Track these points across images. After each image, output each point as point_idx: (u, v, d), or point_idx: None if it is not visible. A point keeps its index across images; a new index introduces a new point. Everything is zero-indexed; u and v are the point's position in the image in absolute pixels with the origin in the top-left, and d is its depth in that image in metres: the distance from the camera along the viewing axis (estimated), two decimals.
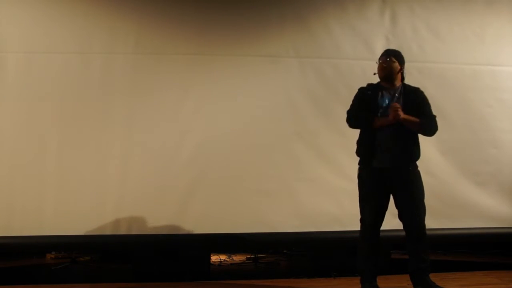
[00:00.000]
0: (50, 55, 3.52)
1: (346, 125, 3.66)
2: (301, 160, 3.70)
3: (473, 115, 3.93)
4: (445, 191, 3.78)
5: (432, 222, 3.56)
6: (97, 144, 3.53)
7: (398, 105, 2.89)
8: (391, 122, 2.89)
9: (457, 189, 3.84)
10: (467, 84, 3.93)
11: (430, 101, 3.83)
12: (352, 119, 3.05)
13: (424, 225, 2.94)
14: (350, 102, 3.60)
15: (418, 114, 2.95)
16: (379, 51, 3.77)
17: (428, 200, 2.96)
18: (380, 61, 3.03)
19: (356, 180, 3.53)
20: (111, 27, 3.57)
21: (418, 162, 3.03)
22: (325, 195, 3.70)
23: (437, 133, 3.81)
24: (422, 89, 3.84)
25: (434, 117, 3.05)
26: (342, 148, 3.70)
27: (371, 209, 2.94)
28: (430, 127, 3.04)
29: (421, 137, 3.80)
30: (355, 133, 3.46)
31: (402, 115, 2.87)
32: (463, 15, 3.97)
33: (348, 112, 3.07)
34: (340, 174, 3.70)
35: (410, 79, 3.84)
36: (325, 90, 3.78)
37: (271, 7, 3.72)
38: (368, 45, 3.80)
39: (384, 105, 2.97)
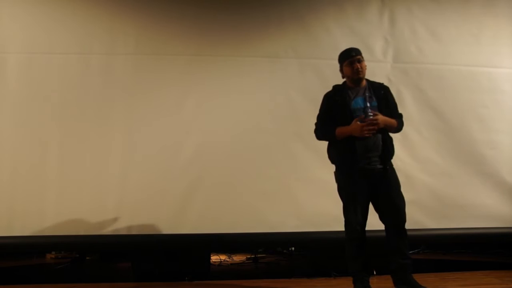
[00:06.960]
0: (50, 56, 3.54)
1: None
2: (301, 160, 3.71)
3: (470, 116, 3.94)
4: (444, 192, 3.78)
5: (432, 222, 3.59)
6: (98, 144, 3.53)
7: (376, 118, 2.76)
8: (357, 134, 2.78)
9: (456, 189, 3.84)
10: (464, 85, 3.95)
11: (428, 102, 3.91)
12: (320, 134, 2.97)
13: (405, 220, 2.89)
14: None
15: (390, 112, 2.88)
16: (378, 52, 3.87)
17: (428, 200, 2.96)
18: (356, 63, 2.88)
19: None
20: (111, 28, 3.60)
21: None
22: (324, 195, 3.66)
23: (435, 133, 3.89)
24: (420, 90, 3.91)
25: (401, 115, 2.99)
26: None
27: (358, 209, 2.84)
28: (401, 128, 2.98)
29: (420, 138, 3.87)
30: None
31: (381, 124, 2.79)
32: (461, 16, 4.00)
33: (316, 124, 2.99)
34: None
35: (408, 80, 3.91)
36: (324, 90, 3.72)
37: (270, 8, 3.74)
38: (367, 46, 3.80)
39: (359, 106, 2.86)
